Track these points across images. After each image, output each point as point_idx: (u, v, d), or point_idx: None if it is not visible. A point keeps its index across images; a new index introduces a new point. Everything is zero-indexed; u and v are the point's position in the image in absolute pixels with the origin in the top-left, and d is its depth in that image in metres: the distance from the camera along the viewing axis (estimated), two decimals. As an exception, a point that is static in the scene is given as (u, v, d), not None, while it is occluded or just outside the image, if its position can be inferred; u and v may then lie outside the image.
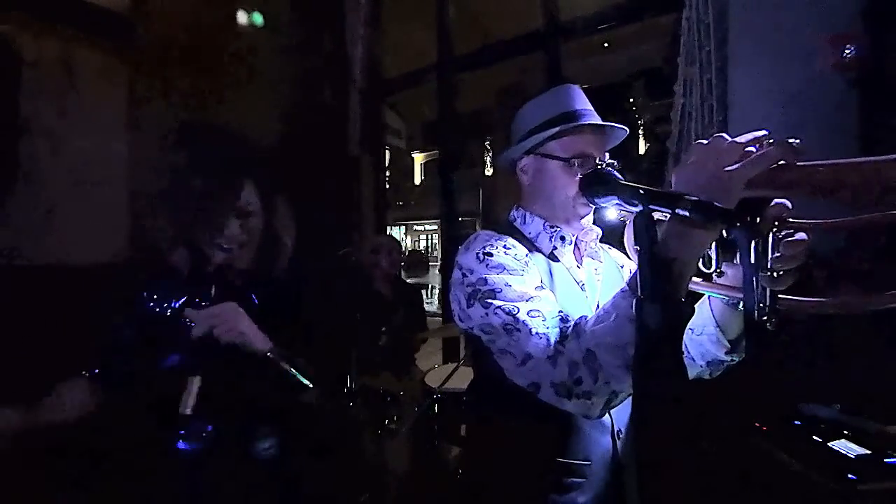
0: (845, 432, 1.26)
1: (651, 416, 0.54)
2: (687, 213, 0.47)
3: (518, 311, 0.73)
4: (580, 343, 0.65)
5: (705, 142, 0.55)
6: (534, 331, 0.71)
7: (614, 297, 0.63)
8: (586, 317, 0.68)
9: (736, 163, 0.50)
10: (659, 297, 0.47)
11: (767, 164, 0.48)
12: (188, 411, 0.84)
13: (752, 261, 0.48)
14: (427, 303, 2.99)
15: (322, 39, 3.31)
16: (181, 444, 0.94)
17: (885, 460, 1.14)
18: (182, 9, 2.56)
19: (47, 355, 1.87)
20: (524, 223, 0.95)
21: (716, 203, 0.47)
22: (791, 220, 0.53)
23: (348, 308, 2.48)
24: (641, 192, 0.54)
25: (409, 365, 2.55)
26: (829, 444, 1.23)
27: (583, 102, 0.92)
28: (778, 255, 0.52)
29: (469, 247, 0.85)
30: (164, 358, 0.97)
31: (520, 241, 0.88)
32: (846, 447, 1.21)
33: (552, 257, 0.91)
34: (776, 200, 0.52)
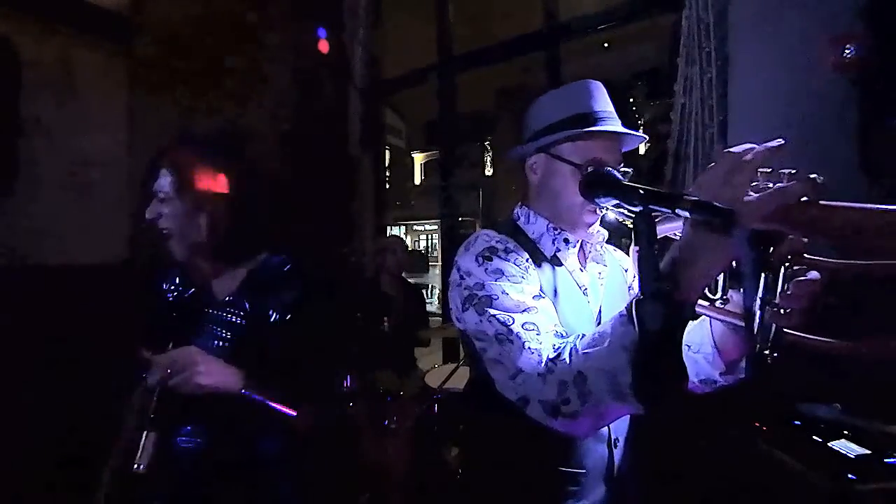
0: (845, 432, 1.26)
1: (647, 421, 0.54)
2: (687, 214, 0.47)
3: (512, 323, 0.72)
4: (571, 364, 0.63)
5: (724, 163, 0.52)
6: (527, 345, 0.69)
7: (612, 321, 0.60)
8: (583, 335, 0.66)
9: (749, 185, 0.47)
10: (657, 298, 0.47)
11: (788, 200, 0.46)
12: (141, 468, 0.79)
13: (761, 294, 0.47)
14: (427, 303, 2.98)
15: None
16: (181, 442, 0.93)
17: (885, 460, 1.14)
18: (182, 9, 2.56)
19: (47, 354, 1.87)
20: (528, 223, 0.92)
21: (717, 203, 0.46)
22: (807, 256, 0.50)
23: (349, 307, 2.48)
24: (641, 192, 0.54)
25: (409, 365, 2.56)
26: (829, 444, 1.23)
27: (602, 103, 0.87)
28: (788, 291, 0.50)
29: (469, 248, 0.83)
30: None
31: (522, 242, 0.86)
32: (846, 447, 1.21)
33: (554, 260, 0.88)
34: (792, 235, 0.49)
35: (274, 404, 0.88)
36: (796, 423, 1.35)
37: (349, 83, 3.27)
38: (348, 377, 2.15)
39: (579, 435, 0.71)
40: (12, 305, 1.89)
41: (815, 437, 1.26)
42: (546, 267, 0.86)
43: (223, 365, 0.87)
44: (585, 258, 0.94)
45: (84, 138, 2.15)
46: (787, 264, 0.50)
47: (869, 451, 1.18)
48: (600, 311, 0.90)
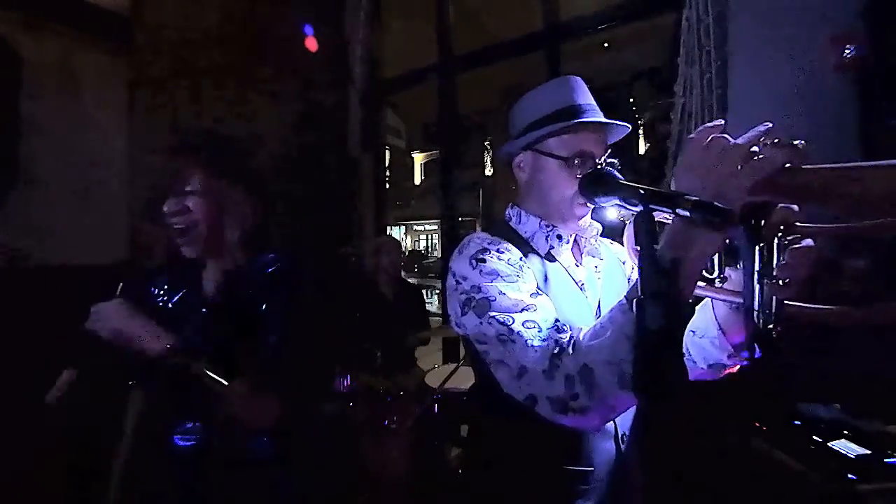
0: (845, 432, 1.26)
1: (653, 417, 0.54)
2: (688, 214, 0.47)
3: (513, 322, 0.71)
4: (576, 357, 0.63)
5: (702, 139, 0.52)
6: (529, 342, 0.69)
7: (611, 311, 0.61)
8: (581, 329, 0.66)
9: (739, 165, 0.48)
10: (659, 297, 0.47)
11: (772, 169, 0.46)
12: (50, 401, 0.85)
13: (757, 267, 0.47)
14: (427, 303, 2.98)
15: (322, 40, 3.31)
16: (177, 440, 0.94)
17: (885, 460, 1.14)
18: (181, 9, 2.56)
19: (47, 355, 1.87)
20: (519, 222, 0.92)
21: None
22: (798, 224, 0.50)
23: (348, 307, 2.48)
24: (641, 191, 0.54)
25: (409, 365, 2.56)
26: (829, 444, 1.23)
27: (585, 96, 0.88)
28: (784, 262, 0.50)
29: (462, 251, 0.82)
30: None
31: (515, 242, 0.85)
32: (846, 447, 1.21)
33: (549, 257, 0.88)
34: (782, 205, 0.49)
35: (207, 372, 0.87)
36: (796, 423, 1.36)
37: (349, 83, 3.27)
38: (348, 377, 2.16)
39: (590, 429, 0.70)
40: (12, 306, 1.89)
41: (815, 437, 1.26)
42: (541, 265, 0.86)
43: (148, 324, 0.90)
44: (580, 253, 0.94)
45: (84, 138, 2.14)
46: (780, 235, 0.50)
47: (869, 451, 1.18)
48: (599, 306, 0.90)
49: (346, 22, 3.27)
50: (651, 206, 0.52)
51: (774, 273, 0.49)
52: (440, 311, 4.46)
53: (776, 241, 0.50)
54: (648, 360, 0.46)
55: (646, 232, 0.49)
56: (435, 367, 2.38)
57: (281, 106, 3.02)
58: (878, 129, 1.56)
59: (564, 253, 0.90)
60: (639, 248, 0.49)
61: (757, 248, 0.48)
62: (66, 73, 2.10)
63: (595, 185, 0.68)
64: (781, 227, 0.49)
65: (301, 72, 3.16)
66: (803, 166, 0.45)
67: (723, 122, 0.53)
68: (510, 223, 0.93)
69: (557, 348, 0.67)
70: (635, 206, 0.55)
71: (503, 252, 0.81)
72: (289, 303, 0.99)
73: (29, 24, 1.97)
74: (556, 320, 0.73)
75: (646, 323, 0.46)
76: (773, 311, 0.48)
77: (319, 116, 3.25)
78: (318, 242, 3.28)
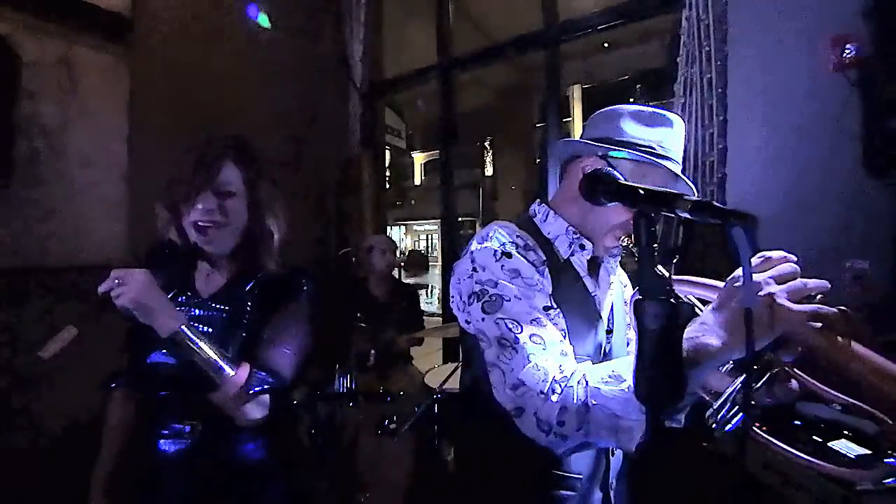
0: (845, 432, 1.26)
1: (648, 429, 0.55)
2: (687, 214, 0.47)
3: (520, 331, 0.70)
4: (579, 393, 0.63)
5: (774, 267, 0.53)
6: (532, 358, 0.68)
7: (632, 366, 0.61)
8: (591, 361, 0.67)
9: (798, 302, 0.49)
10: (657, 299, 0.47)
11: (827, 324, 0.48)
12: (45, 355, 0.78)
13: (740, 383, 0.52)
14: (427, 303, 2.98)
15: (322, 40, 3.31)
16: (163, 445, 0.92)
17: (885, 460, 1.14)
18: (182, 8, 2.56)
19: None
20: (545, 221, 0.88)
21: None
22: (797, 371, 0.53)
23: (348, 308, 2.48)
24: (641, 192, 0.54)
25: (407, 365, 2.55)
26: (829, 444, 1.23)
27: (680, 149, 0.84)
28: (764, 389, 0.53)
29: (487, 239, 0.80)
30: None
31: (538, 241, 0.83)
32: (846, 447, 1.21)
33: (567, 263, 0.86)
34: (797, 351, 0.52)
35: (213, 356, 0.84)
36: (796, 423, 1.35)
37: (349, 83, 3.27)
38: (347, 377, 2.16)
39: (558, 453, 0.71)
40: (11, 307, 1.89)
41: (815, 437, 1.26)
42: (558, 269, 0.84)
43: (167, 302, 0.85)
44: (597, 265, 0.92)
45: (84, 138, 2.14)
46: (776, 370, 0.53)
47: (869, 451, 1.18)
48: (611, 316, 0.90)
49: (345, 22, 3.27)
50: (650, 207, 0.52)
51: (750, 394, 0.52)
52: (440, 311, 4.46)
53: (770, 371, 0.54)
54: (647, 363, 0.46)
55: (645, 232, 0.50)
56: (435, 367, 2.38)
57: (281, 106, 3.02)
58: (878, 129, 1.56)
59: (583, 262, 0.88)
60: (638, 248, 0.50)
61: (752, 368, 0.52)
62: (66, 73, 2.10)
63: (596, 186, 0.68)
64: (781, 369, 0.53)
65: (302, 71, 3.16)
66: (852, 344, 0.48)
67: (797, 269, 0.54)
68: (535, 219, 0.90)
69: (561, 374, 0.66)
70: (634, 206, 0.55)
71: (529, 250, 0.79)
72: (280, 306, 0.98)
73: (29, 24, 1.97)
74: (562, 342, 0.72)
75: (644, 324, 0.47)
76: (725, 419, 0.52)
77: (319, 117, 3.25)
78: (318, 243, 3.28)
